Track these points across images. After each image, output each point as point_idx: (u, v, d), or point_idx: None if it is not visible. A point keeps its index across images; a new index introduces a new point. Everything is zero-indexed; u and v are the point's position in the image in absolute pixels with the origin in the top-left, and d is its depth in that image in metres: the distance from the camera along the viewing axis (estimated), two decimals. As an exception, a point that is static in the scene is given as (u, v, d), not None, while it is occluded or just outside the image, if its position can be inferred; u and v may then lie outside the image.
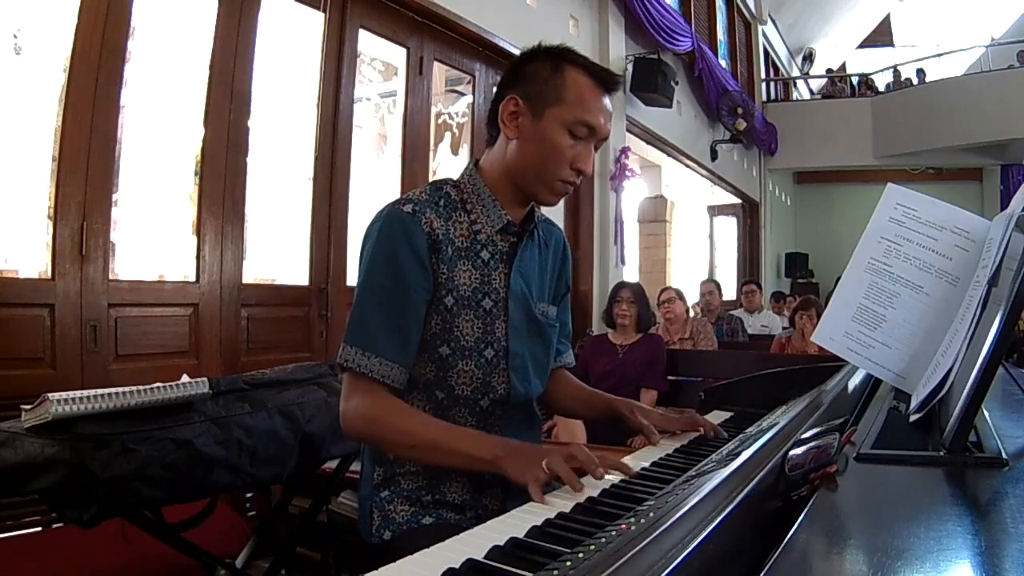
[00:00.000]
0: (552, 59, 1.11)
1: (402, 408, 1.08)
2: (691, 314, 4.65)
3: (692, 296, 5.66)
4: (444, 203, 1.13)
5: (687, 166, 7.71)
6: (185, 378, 1.27)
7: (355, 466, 1.70)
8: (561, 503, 0.80)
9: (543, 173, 1.11)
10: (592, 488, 0.85)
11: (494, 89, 1.26)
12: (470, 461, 1.02)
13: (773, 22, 10.42)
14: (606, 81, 1.11)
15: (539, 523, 0.70)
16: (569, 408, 1.38)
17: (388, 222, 1.07)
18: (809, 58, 12.79)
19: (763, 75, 10.19)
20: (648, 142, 6.51)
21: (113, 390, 1.15)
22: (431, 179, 3.85)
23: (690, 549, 0.51)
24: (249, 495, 2.52)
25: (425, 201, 1.10)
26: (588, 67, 1.11)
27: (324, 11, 3.10)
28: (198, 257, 2.59)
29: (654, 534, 0.53)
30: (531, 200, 1.16)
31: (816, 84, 13.10)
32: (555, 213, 4.76)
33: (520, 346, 1.15)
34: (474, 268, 1.12)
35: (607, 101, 1.11)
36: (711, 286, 5.44)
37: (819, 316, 3.84)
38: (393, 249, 1.06)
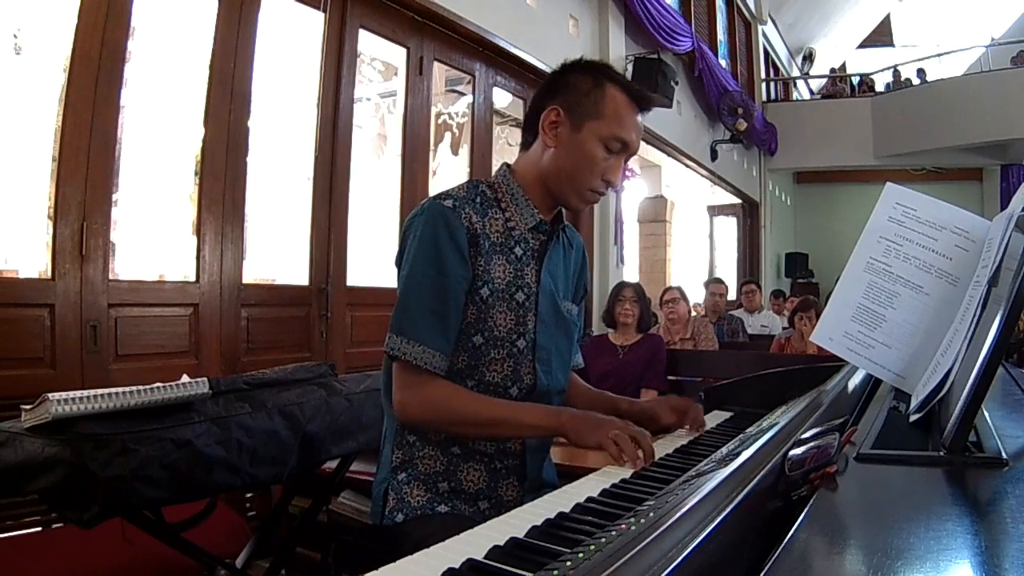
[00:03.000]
0: (593, 74, 1.18)
1: (460, 391, 1.13)
2: (693, 314, 4.65)
3: (692, 295, 5.65)
4: (480, 200, 1.18)
5: (687, 166, 7.70)
6: (185, 378, 1.27)
7: (355, 466, 1.71)
8: (561, 502, 0.80)
9: (576, 182, 1.17)
10: (592, 488, 0.85)
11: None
12: (535, 430, 1.13)
13: (773, 22, 10.41)
14: (641, 100, 1.19)
15: (539, 523, 0.70)
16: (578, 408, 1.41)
17: (430, 215, 1.13)
18: (809, 58, 12.78)
19: (763, 75, 10.18)
20: (648, 142, 6.50)
21: (113, 390, 1.15)
22: (431, 179, 3.86)
23: (690, 549, 0.51)
24: (249, 495, 2.52)
25: (464, 197, 1.16)
26: (626, 85, 1.19)
27: (324, 11, 3.10)
28: (198, 257, 2.59)
29: (654, 534, 0.53)
30: (561, 205, 1.23)
31: (816, 84, 13.09)
32: (555, 213, 4.75)
33: (547, 339, 1.20)
34: (508, 263, 1.17)
35: (640, 119, 1.19)
36: (722, 287, 5.41)
37: (819, 317, 3.83)
38: (436, 241, 1.11)
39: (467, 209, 1.14)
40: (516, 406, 1.14)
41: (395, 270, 1.19)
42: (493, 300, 1.15)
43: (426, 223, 1.12)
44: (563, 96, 1.18)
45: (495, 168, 1.29)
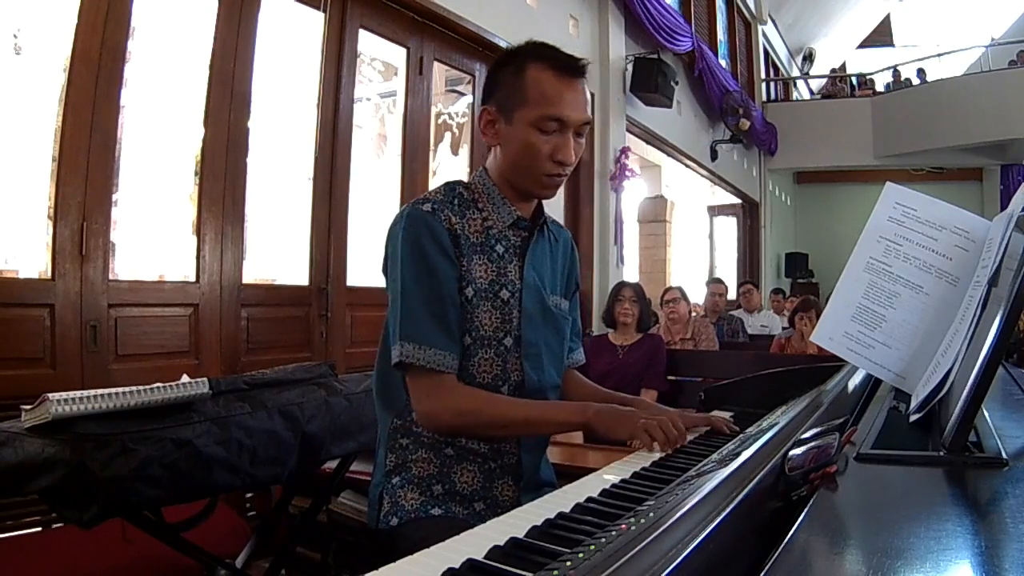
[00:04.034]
0: (515, 61, 1.15)
1: (485, 395, 1.14)
2: (693, 314, 4.65)
3: (693, 295, 5.65)
4: (458, 202, 1.18)
5: (687, 166, 7.71)
6: (185, 378, 1.27)
7: (355, 466, 1.71)
8: (561, 502, 0.80)
9: (527, 172, 1.15)
10: (592, 488, 0.85)
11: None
12: (563, 427, 1.16)
13: (773, 22, 10.41)
14: (569, 68, 1.13)
15: (539, 523, 0.70)
16: None
17: (411, 222, 1.12)
18: (809, 58, 12.79)
19: (763, 75, 10.19)
20: (648, 142, 6.50)
21: (113, 390, 1.15)
22: (431, 179, 3.86)
23: (690, 549, 0.51)
24: (249, 495, 2.52)
25: (441, 200, 1.16)
26: (549, 59, 1.13)
27: (324, 11, 3.10)
28: (198, 257, 2.59)
29: (654, 534, 0.53)
30: (530, 196, 1.21)
31: (816, 84, 13.10)
32: (555, 213, 4.76)
33: (534, 335, 1.20)
34: (490, 261, 1.17)
35: (576, 86, 1.13)
36: (722, 287, 5.42)
37: (819, 316, 3.84)
38: (421, 246, 1.11)
39: (446, 211, 1.14)
40: (543, 405, 1.16)
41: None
42: (477, 300, 1.14)
43: (406, 229, 1.12)
44: (494, 94, 1.16)
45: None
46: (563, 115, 1.11)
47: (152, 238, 2.74)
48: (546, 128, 1.11)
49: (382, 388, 1.18)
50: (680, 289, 4.18)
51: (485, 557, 0.61)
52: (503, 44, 4.00)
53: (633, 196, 7.23)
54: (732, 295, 6.69)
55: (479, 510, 1.15)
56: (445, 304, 1.11)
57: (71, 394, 1.10)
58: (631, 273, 6.33)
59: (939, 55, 10.74)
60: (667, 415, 1.16)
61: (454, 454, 1.16)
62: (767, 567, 0.45)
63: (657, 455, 1.06)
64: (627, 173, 5.23)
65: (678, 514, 0.57)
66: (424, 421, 1.12)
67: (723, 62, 8.17)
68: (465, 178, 1.26)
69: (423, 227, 1.11)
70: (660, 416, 1.07)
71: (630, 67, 5.34)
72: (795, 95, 11.66)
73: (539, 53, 1.14)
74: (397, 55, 3.77)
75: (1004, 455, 0.66)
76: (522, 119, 1.12)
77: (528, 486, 1.19)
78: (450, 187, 1.21)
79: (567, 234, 1.36)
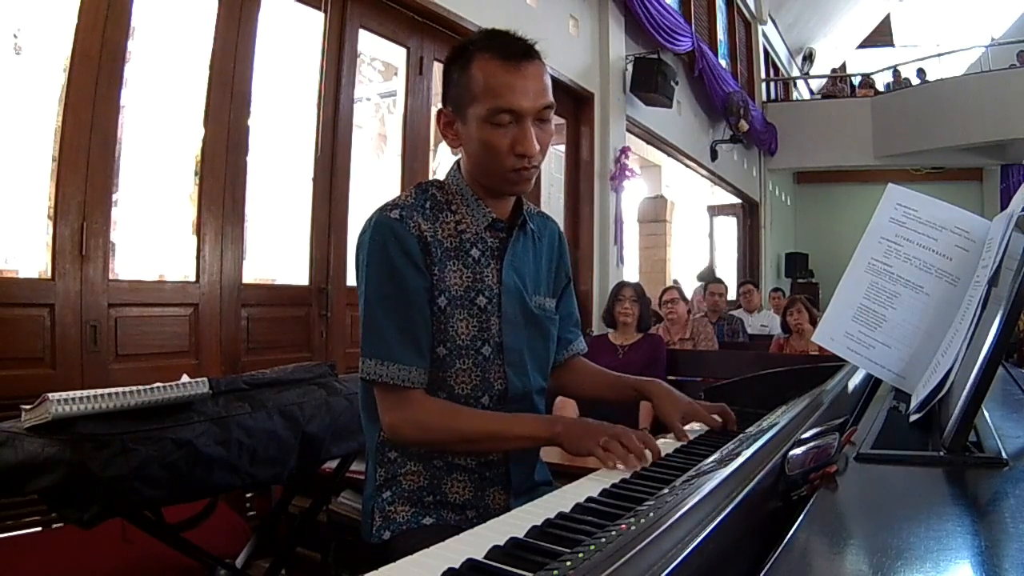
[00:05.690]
0: (461, 58, 1.09)
1: (450, 407, 1.10)
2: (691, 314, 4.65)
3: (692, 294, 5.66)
4: (430, 205, 1.13)
5: (687, 166, 7.71)
6: (185, 378, 1.28)
7: (355, 466, 1.71)
8: (560, 502, 0.80)
9: (492, 169, 1.10)
10: (592, 488, 0.85)
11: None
12: (529, 442, 1.09)
13: (773, 22, 10.42)
14: (514, 54, 1.06)
15: (539, 523, 0.70)
16: (595, 394, 1.37)
17: (378, 230, 1.08)
18: (809, 58, 12.79)
19: (763, 75, 10.19)
20: (648, 142, 6.51)
21: (113, 390, 1.15)
22: (431, 179, 3.85)
23: (690, 549, 0.51)
24: (249, 495, 2.52)
25: (411, 205, 1.11)
26: (493, 48, 1.07)
27: (324, 11, 3.10)
28: (198, 257, 2.59)
29: (654, 534, 0.53)
30: (502, 194, 1.16)
31: (816, 84, 13.10)
32: (555, 213, 4.76)
33: (516, 341, 1.15)
34: (464, 267, 1.12)
35: (525, 71, 1.06)
36: (722, 287, 5.43)
37: (806, 309, 3.89)
38: (388, 256, 1.07)
39: (416, 217, 1.09)
40: (510, 418, 1.10)
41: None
42: (452, 309, 1.10)
43: (373, 239, 1.08)
44: (448, 94, 1.12)
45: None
46: (514, 105, 1.04)
47: (152, 238, 2.74)
48: (500, 122, 1.05)
49: (367, 402, 1.14)
50: (679, 289, 4.18)
51: (485, 557, 0.61)
52: (503, 44, 3.99)
53: (633, 196, 7.22)
54: (732, 295, 6.69)
55: (471, 517, 1.13)
56: (413, 317, 1.07)
57: (71, 394, 1.11)
58: (631, 273, 6.33)
59: (939, 55, 10.75)
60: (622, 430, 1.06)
61: (443, 465, 1.14)
62: (767, 567, 0.45)
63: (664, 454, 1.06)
64: (627, 173, 5.23)
65: (678, 514, 0.57)
66: (389, 433, 1.10)
67: (723, 62, 8.17)
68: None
69: (390, 236, 1.06)
70: (622, 432, 1.00)
71: (630, 67, 5.34)
72: (795, 95, 11.66)
73: (483, 44, 1.08)
74: (397, 55, 3.77)
75: (1004, 455, 0.66)
76: (475, 116, 1.06)
77: (519, 492, 1.17)
78: (422, 189, 1.15)
79: (553, 226, 1.30)
